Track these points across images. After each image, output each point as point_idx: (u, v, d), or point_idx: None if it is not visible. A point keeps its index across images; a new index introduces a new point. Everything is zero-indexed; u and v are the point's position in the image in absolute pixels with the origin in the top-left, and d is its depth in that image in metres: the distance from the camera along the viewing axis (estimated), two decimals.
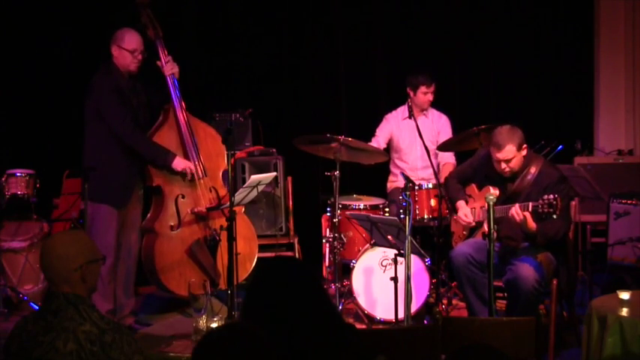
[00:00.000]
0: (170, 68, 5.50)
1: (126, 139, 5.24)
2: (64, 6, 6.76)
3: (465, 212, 5.07)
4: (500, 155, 4.73)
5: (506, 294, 4.95)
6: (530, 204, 4.59)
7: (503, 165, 4.76)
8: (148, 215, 5.61)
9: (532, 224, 4.64)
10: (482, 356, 2.30)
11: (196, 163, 5.51)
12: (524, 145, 4.75)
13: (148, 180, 5.49)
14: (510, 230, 4.84)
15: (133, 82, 5.36)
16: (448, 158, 6.33)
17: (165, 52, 5.53)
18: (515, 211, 4.62)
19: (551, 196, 4.50)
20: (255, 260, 5.73)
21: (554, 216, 4.50)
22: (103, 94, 5.21)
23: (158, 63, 5.49)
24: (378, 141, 6.30)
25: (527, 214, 4.60)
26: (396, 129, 6.34)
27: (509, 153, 4.71)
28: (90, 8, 6.72)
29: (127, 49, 5.25)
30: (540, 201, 4.53)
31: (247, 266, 5.63)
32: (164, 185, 5.50)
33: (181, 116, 5.54)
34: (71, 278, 2.83)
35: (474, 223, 5.07)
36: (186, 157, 5.52)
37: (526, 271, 4.68)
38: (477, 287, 4.84)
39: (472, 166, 5.20)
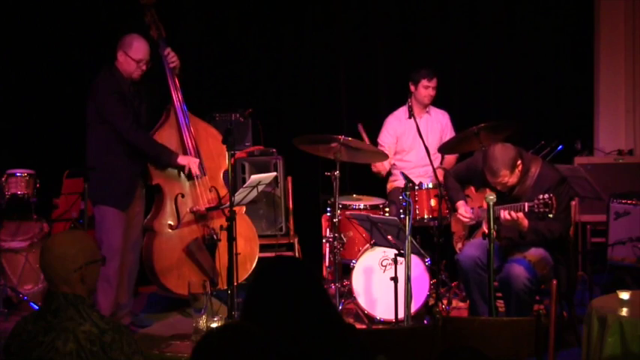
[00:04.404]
0: (170, 61, 5.49)
1: (128, 137, 5.24)
2: (66, 5, 6.76)
3: (465, 209, 5.09)
4: (495, 180, 4.76)
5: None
6: (526, 204, 4.61)
7: (500, 187, 4.79)
8: (150, 214, 5.61)
9: (525, 223, 4.68)
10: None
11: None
12: (519, 162, 4.74)
13: (148, 179, 5.49)
14: (509, 231, 4.85)
15: (135, 86, 5.35)
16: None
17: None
18: (508, 214, 4.64)
19: (546, 196, 4.53)
20: (256, 260, 5.73)
21: (551, 215, 4.53)
22: (105, 95, 5.20)
23: (163, 53, 5.49)
24: (385, 150, 6.19)
25: (520, 214, 4.63)
26: (400, 129, 6.33)
27: (505, 177, 4.73)
28: (93, 8, 6.72)
29: (134, 58, 5.23)
30: (536, 201, 4.56)
31: (248, 266, 5.63)
32: (163, 184, 5.50)
33: (182, 116, 5.55)
34: (70, 279, 2.83)
35: (474, 221, 5.08)
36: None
37: (517, 269, 4.72)
38: (484, 290, 4.80)
39: (468, 170, 5.23)
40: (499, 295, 4.88)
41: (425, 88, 6.23)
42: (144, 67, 5.29)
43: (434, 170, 5.57)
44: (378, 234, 4.98)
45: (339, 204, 5.57)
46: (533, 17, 7.19)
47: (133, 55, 5.24)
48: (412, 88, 6.26)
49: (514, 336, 3.44)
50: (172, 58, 5.52)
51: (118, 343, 2.77)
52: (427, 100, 6.28)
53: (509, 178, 4.74)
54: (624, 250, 5.70)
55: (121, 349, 2.77)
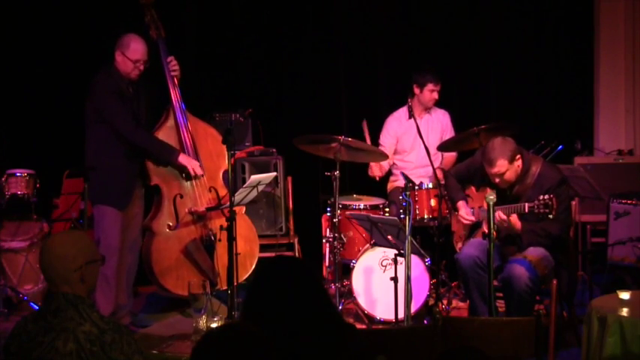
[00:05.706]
0: (172, 69, 5.51)
1: (128, 136, 5.24)
2: (65, 5, 6.76)
3: (467, 211, 5.10)
4: (492, 170, 4.75)
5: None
6: (526, 205, 4.63)
7: (497, 179, 4.78)
8: (149, 214, 5.61)
9: (518, 226, 4.70)
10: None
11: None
12: (518, 156, 4.75)
13: (147, 179, 5.49)
14: (508, 231, 4.86)
15: (134, 86, 5.35)
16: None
17: (168, 53, 5.54)
18: (498, 216, 4.66)
19: (547, 197, 4.54)
20: (256, 261, 5.72)
21: (551, 216, 4.54)
22: (103, 94, 5.21)
23: (165, 60, 5.49)
24: (385, 150, 6.19)
25: (512, 217, 4.65)
26: (400, 130, 6.33)
27: (502, 167, 4.73)
28: (93, 7, 6.72)
29: (131, 58, 5.23)
30: (536, 202, 4.58)
31: (248, 266, 5.63)
32: (162, 185, 5.50)
33: (181, 117, 5.55)
34: (70, 278, 2.83)
35: (475, 220, 5.10)
36: None
37: (518, 270, 4.72)
38: (483, 290, 4.81)
39: (469, 170, 5.23)
40: (499, 295, 4.88)
41: (430, 92, 6.22)
42: (141, 68, 5.29)
43: (434, 170, 5.57)
44: (378, 234, 4.98)
45: (339, 204, 5.57)
46: (533, 17, 7.19)
47: (130, 55, 5.24)
48: (417, 90, 6.24)
49: (514, 336, 3.44)
50: (174, 67, 5.53)
51: (118, 343, 2.77)
52: (431, 103, 6.29)
53: (507, 171, 4.74)
54: (624, 250, 5.70)
55: (121, 349, 2.77)
